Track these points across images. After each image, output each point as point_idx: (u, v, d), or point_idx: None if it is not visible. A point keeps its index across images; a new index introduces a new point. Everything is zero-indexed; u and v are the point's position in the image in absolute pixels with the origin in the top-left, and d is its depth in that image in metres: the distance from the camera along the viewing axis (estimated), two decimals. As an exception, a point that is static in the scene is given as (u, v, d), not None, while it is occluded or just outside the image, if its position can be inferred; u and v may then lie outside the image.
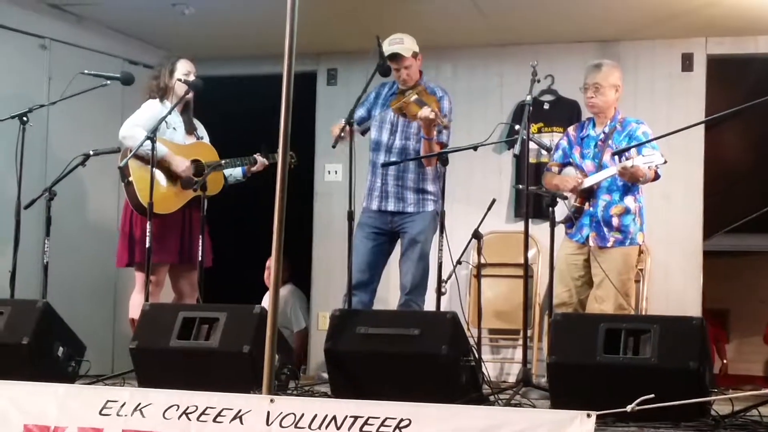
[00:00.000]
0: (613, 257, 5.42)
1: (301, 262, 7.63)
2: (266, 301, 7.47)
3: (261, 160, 5.82)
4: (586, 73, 5.53)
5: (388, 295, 6.25)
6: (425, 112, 5.36)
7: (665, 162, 5.18)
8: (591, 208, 5.46)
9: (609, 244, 5.44)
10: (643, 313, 6.46)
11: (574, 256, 5.53)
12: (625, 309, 5.36)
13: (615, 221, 5.43)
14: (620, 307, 5.34)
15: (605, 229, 5.44)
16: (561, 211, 5.37)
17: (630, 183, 5.38)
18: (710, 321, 6.21)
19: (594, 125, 5.59)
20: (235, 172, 5.88)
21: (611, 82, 5.48)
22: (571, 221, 5.48)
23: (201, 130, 5.92)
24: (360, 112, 5.71)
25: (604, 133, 5.52)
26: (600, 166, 5.47)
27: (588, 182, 5.44)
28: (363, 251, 5.65)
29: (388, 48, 5.51)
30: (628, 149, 5.26)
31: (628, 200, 5.45)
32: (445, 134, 5.56)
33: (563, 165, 5.63)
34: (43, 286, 5.43)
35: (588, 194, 5.46)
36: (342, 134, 5.35)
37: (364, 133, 5.83)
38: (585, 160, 5.55)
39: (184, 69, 5.75)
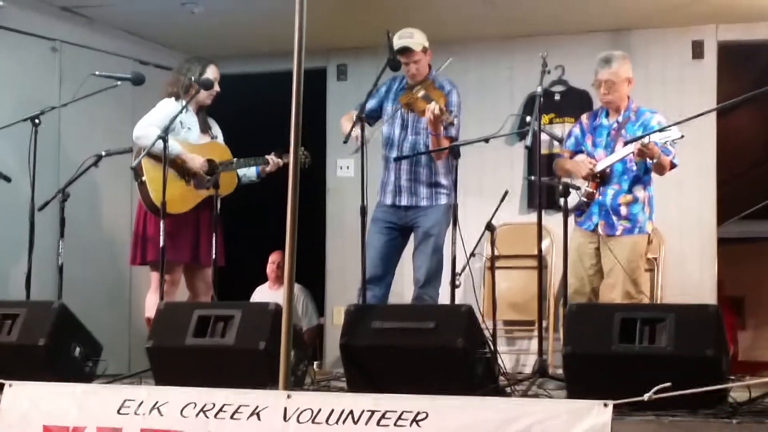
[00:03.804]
0: (622, 245, 5.41)
1: (307, 259, 7.61)
2: (262, 298, 7.48)
3: (275, 160, 5.79)
4: (597, 68, 5.46)
5: (403, 289, 6.24)
6: (431, 108, 5.35)
7: (682, 136, 5.12)
8: (600, 197, 5.46)
9: (618, 233, 5.43)
10: (659, 301, 6.45)
11: (586, 245, 5.53)
12: (633, 297, 5.35)
13: (623, 210, 5.43)
14: (628, 294, 5.33)
15: (614, 218, 5.44)
16: (572, 200, 5.37)
17: (647, 162, 5.28)
18: (725, 308, 6.18)
19: (607, 114, 5.57)
20: (249, 172, 5.88)
21: (624, 76, 5.44)
22: (581, 209, 5.48)
23: (216, 129, 5.93)
24: (371, 104, 5.69)
25: (617, 122, 5.50)
26: (612, 155, 5.46)
27: (602, 165, 5.42)
28: (377, 245, 5.64)
29: (397, 42, 5.50)
30: (640, 138, 5.23)
31: (637, 190, 5.44)
32: (454, 129, 5.54)
33: (575, 153, 5.63)
34: (58, 287, 5.46)
35: (601, 180, 5.45)
36: (353, 130, 5.36)
37: (372, 124, 5.81)
38: (597, 149, 5.53)
39: (213, 74, 5.76)
